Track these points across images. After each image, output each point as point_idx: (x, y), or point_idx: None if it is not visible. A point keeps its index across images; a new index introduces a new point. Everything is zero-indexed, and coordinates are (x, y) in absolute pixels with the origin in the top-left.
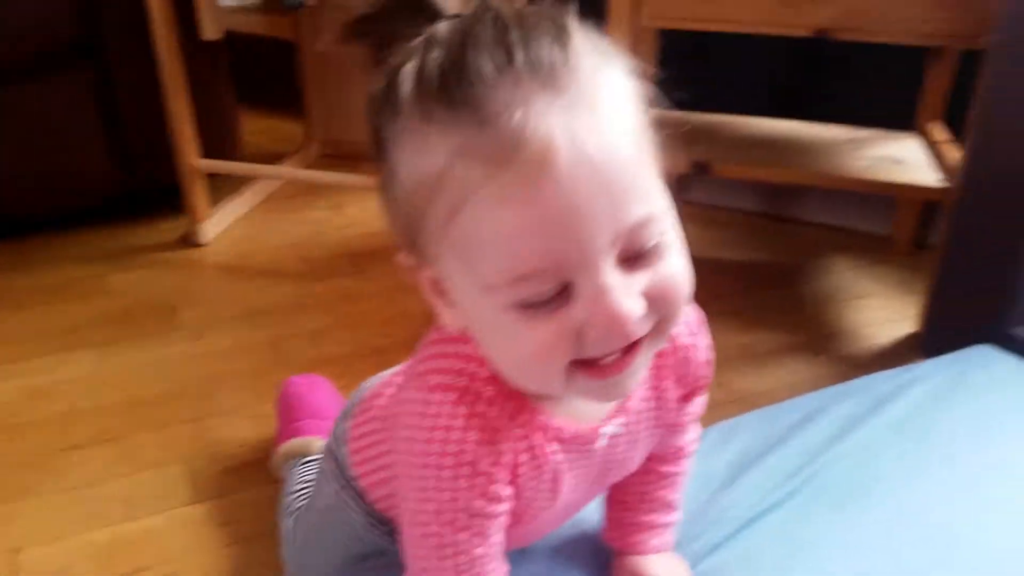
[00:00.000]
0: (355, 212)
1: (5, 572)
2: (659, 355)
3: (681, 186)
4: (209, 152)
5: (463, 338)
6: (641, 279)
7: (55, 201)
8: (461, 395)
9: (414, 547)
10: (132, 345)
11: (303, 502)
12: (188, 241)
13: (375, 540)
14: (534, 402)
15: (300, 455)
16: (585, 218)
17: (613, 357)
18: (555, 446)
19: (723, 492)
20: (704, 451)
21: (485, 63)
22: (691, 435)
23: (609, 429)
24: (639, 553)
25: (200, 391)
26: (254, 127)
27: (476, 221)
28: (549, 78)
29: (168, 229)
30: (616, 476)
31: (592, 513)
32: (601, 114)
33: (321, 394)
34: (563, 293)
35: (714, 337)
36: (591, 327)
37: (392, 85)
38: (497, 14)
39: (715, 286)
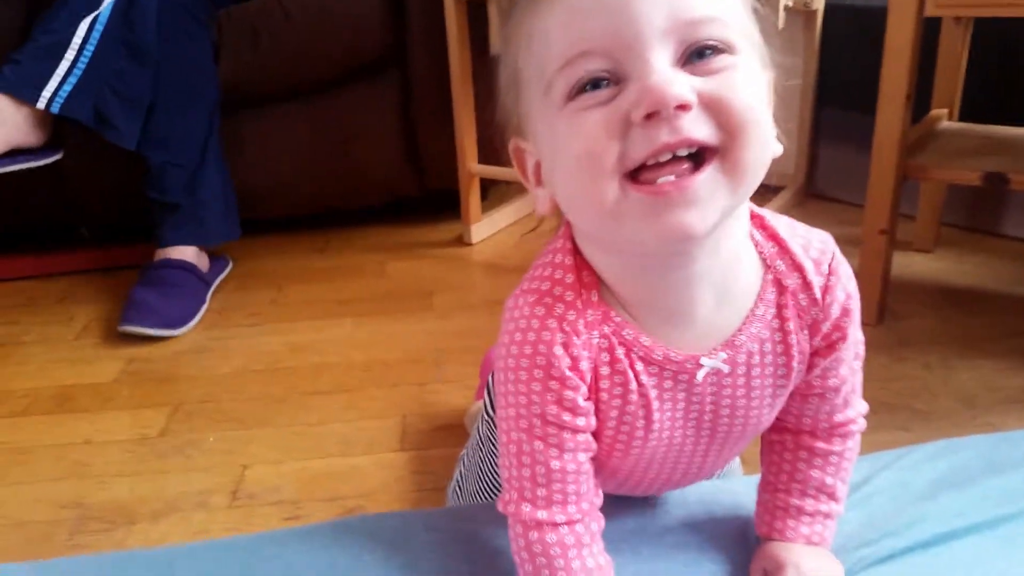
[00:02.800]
0: None
1: (231, 481)
2: (781, 291)
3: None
4: (491, 161)
5: (562, 249)
6: (697, 81)
7: (357, 198)
8: (541, 296)
9: (502, 456)
10: (388, 318)
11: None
12: (461, 240)
13: None
14: (619, 315)
15: None
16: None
17: (668, 178)
18: (641, 366)
19: (917, 504)
20: (909, 464)
21: None
22: (851, 412)
23: (710, 362)
24: (785, 540)
25: (432, 361)
26: None
27: (544, 24)
28: None
29: (448, 229)
30: (735, 429)
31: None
32: None
33: None
34: (618, 86)
35: (994, 376)
36: (635, 107)
37: None
38: None
39: (1011, 324)
